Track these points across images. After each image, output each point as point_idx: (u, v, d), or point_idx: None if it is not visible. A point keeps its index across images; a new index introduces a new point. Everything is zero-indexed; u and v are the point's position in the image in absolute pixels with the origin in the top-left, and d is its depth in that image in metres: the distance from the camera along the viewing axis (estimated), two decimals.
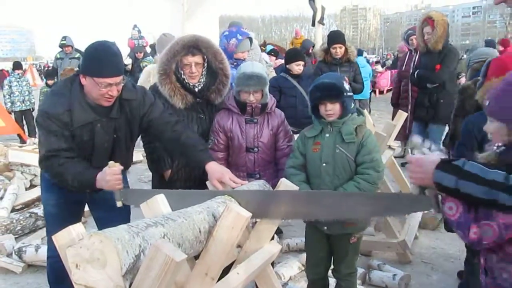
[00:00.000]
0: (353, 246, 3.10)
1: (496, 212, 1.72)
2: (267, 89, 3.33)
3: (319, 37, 13.97)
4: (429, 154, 1.90)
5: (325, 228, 3.03)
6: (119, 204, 2.77)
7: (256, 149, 3.33)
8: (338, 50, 6.24)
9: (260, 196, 2.61)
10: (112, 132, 2.95)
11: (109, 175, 2.70)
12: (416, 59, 6.84)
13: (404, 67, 7.42)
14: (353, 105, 3.02)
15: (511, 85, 1.88)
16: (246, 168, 3.35)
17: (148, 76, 5.53)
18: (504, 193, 1.62)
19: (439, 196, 1.93)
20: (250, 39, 4.65)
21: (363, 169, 2.91)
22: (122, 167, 2.77)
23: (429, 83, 5.94)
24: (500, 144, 1.88)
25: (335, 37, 6.39)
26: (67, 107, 2.79)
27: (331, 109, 2.93)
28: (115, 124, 2.94)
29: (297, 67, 5.25)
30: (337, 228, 2.99)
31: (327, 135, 2.99)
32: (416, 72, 6.10)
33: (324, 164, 2.94)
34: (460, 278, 3.97)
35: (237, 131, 3.32)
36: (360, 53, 11.65)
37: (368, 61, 11.03)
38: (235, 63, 4.48)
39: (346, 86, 2.96)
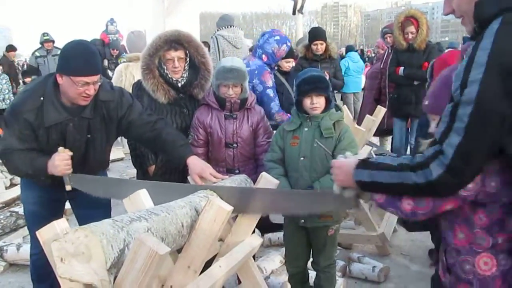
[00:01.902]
0: (331, 238, 3.17)
1: None
2: (246, 83, 3.36)
3: (299, 27, 14.08)
4: (350, 157, 2.01)
5: (302, 221, 3.09)
6: (68, 188, 2.90)
7: (235, 145, 3.36)
8: (319, 47, 6.27)
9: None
10: (85, 132, 2.96)
11: (58, 160, 2.80)
12: (389, 56, 6.84)
13: (382, 64, 7.49)
14: (332, 101, 3.10)
15: (443, 81, 2.01)
16: (226, 163, 3.38)
17: (120, 76, 5.49)
18: (411, 171, 1.70)
19: (359, 195, 2.03)
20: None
21: None
22: (71, 153, 2.85)
23: (417, 81, 6.03)
24: None
25: (316, 34, 6.44)
26: (36, 105, 2.81)
27: (317, 102, 3.00)
28: (89, 124, 2.95)
29: (287, 64, 5.34)
30: (313, 221, 3.06)
31: (306, 129, 3.05)
32: (402, 70, 6.15)
33: (302, 158, 3.00)
34: (431, 257, 4.10)
35: (216, 127, 3.34)
36: (351, 48, 11.77)
37: (361, 57, 11.12)
38: (274, 68, 4.61)
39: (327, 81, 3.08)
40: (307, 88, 3.01)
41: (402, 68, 6.15)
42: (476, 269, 1.80)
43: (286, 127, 3.15)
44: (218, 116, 3.35)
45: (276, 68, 4.85)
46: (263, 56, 4.60)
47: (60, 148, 2.82)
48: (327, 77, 3.16)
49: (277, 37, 4.62)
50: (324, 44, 6.31)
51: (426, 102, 2.08)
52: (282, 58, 5.24)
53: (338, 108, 3.13)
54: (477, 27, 1.70)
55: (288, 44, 4.65)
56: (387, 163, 1.80)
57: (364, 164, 1.88)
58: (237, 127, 3.36)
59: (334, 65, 6.48)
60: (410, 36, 6.00)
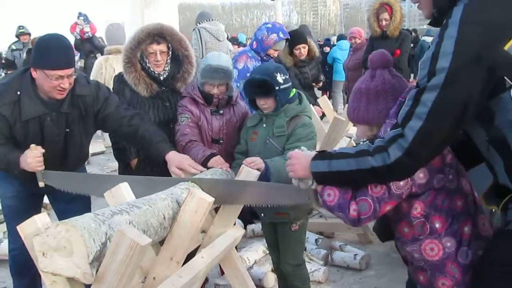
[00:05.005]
0: (296, 235, 3.11)
1: (368, 188, 1.87)
2: (232, 82, 3.32)
3: (279, 17, 14.20)
4: (306, 151, 2.07)
5: (262, 215, 3.10)
6: (41, 184, 2.90)
7: (221, 141, 3.32)
8: (303, 51, 5.84)
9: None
10: (64, 126, 2.95)
11: (29, 157, 2.79)
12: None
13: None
14: (291, 94, 3.04)
15: (356, 92, 2.14)
16: None
17: (100, 68, 5.44)
18: (369, 156, 1.76)
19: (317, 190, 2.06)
20: (286, 40, 4.71)
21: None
22: (43, 150, 2.83)
23: None
24: (364, 139, 2.10)
25: (297, 38, 5.95)
26: (12, 99, 2.79)
27: (265, 103, 2.97)
28: (67, 119, 2.94)
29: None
30: (270, 216, 3.05)
31: (264, 125, 3.05)
32: None
33: (257, 155, 2.94)
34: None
35: (204, 122, 3.28)
36: (342, 37, 11.77)
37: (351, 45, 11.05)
38: (264, 58, 4.51)
39: (281, 78, 2.94)
40: (251, 91, 3.01)
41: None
42: (424, 256, 1.90)
43: (248, 123, 3.18)
44: (205, 111, 3.28)
45: (266, 56, 4.62)
46: (254, 43, 4.61)
47: (32, 145, 2.81)
48: (282, 73, 3.03)
49: (269, 25, 4.61)
50: (307, 47, 5.88)
51: (348, 113, 2.21)
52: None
53: (300, 100, 3.07)
54: (436, 13, 1.76)
55: (281, 35, 4.51)
56: (344, 152, 1.86)
57: (321, 155, 1.93)
58: (224, 123, 3.31)
59: (316, 64, 6.35)
60: (384, 23, 6.07)
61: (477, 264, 1.87)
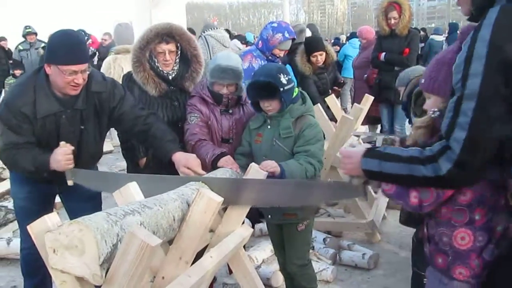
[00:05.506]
0: (302, 235, 3.11)
1: None
2: (241, 82, 3.30)
3: (286, 16, 14.21)
4: (358, 146, 2.05)
5: (269, 216, 3.09)
6: (70, 182, 2.89)
7: (231, 141, 3.31)
8: (319, 58, 5.69)
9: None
10: (79, 123, 2.95)
11: (60, 155, 2.79)
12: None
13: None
14: (294, 93, 3.02)
15: (439, 62, 2.08)
16: None
17: (109, 68, 5.46)
18: (420, 165, 1.74)
19: (367, 185, 2.09)
20: (293, 40, 4.64)
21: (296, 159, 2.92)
22: (72, 147, 2.83)
23: (397, 66, 6.07)
24: (435, 109, 2.04)
25: (314, 45, 5.80)
26: (31, 98, 2.79)
27: (269, 105, 2.96)
28: (82, 116, 2.94)
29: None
30: (277, 218, 3.05)
31: (269, 127, 3.03)
32: (383, 55, 6.20)
33: (264, 157, 2.94)
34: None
35: (213, 121, 3.27)
36: (354, 35, 11.76)
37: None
38: (270, 57, 4.46)
39: (284, 79, 2.92)
40: (254, 94, 2.98)
41: (383, 53, 6.19)
42: (453, 242, 1.90)
43: (251, 125, 3.14)
44: (214, 111, 3.27)
45: (272, 56, 4.55)
46: (260, 42, 4.58)
47: (62, 143, 2.81)
48: (285, 73, 2.97)
49: (275, 25, 4.56)
50: (324, 54, 5.71)
51: (422, 81, 2.14)
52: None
53: (304, 101, 3.06)
54: (474, 10, 1.73)
55: (287, 35, 4.46)
56: (395, 153, 1.83)
57: (371, 153, 1.90)
58: (233, 123, 3.29)
59: (333, 67, 6.28)
60: (393, 21, 6.05)
61: (495, 260, 1.87)
